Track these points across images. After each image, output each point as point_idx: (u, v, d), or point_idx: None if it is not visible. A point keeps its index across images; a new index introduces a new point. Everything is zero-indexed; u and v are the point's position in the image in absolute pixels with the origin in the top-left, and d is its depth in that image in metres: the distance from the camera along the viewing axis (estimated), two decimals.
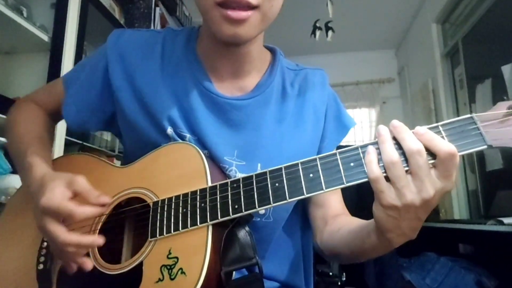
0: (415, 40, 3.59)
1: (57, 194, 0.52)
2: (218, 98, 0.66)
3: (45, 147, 0.69)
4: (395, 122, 0.45)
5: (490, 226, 1.63)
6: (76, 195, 0.55)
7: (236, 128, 0.66)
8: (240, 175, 0.62)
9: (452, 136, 0.44)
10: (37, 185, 0.57)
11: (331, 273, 1.74)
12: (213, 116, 0.66)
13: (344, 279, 1.75)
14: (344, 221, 0.64)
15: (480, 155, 2.51)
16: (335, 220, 0.67)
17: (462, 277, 2.02)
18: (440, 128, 0.45)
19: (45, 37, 1.55)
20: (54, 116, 0.79)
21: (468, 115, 0.45)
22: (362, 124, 4.04)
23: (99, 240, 0.54)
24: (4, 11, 1.35)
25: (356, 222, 0.59)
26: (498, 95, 2.21)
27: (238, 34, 0.56)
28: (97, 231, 0.59)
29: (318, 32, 2.78)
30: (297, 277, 0.73)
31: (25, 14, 1.50)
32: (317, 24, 2.78)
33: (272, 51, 0.75)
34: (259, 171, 0.52)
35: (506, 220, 1.55)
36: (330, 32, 2.71)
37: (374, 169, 0.44)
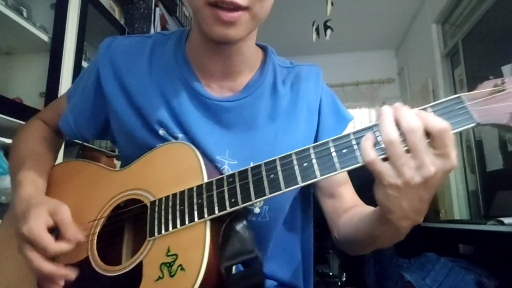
0: (415, 40, 3.59)
1: (38, 224, 0.54)
2: (207, 100, 0.66)
3: (41, 164, 0.70)
4: (397, 104, 0.46)
5: (490, 226, 1.63)
6: (56, 225, 0.56)
7: (227, 129, 0.66)
8: None
9: (442, 116, 0.45)
10: (23, 207, 0.58)
11: (331, 273, 1.74)
12: (203, 116, 0.66)
13: (344, 279, 1.75)
14: (357, 210, 0.64)
15: (480, 155, 2.51)
16: (350, 211, 0.67)
17: (462, 277, 2.02)
18: (430, 109, 0.46)
19: (45, 38, 1.55)
20: (61, 132, 0.79)
21: (456, 95, 0.46)
22: (362, 125, 4.03)
23: (71, 274, 0.55)
24: (4, 11, 1.35)
25: (369, 208, 0.59)
26: None
27: (228, 34, 0.56)
28: (96, 234, 0.60)
29: (314, 34, 2.77)
30: (296, 277, 0.72)
31: (25, 15, 1.50)
32: (314, 26, 2.78)
33: (264, 49, 0.75)
34: (253, 165, 0.52)
35: (506, 220, 1.55)
36: (328, 31, 2.71)
37: (369, 152, 0.45)
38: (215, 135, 0.65)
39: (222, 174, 0.62)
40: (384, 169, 0.44)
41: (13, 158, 0.72)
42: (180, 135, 0.65)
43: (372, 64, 4.06)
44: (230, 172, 0.53)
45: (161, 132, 0.65)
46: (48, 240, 0.54)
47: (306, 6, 3.06)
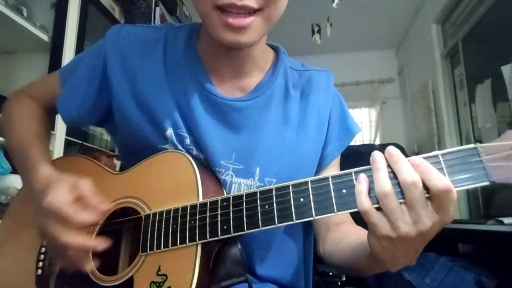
0: (415, 40, 3.59)
1: (60, 196, 0.52)
2: (217, 99, 0.64)
3: (44, 145, 0.68)
4: (392, 150, 0.43)
5: (490, 226, 1.63)
6: (79, 199, 0.54)
7: (236, 130, 0.65)
8: (236, 180, 0.62)
9: (452, 168, 0.41)
10: (42, 185, 0.56)
11: (331, 273, 1.74)
12: (212, 117, 0.64)
13: (344, 279, 1.75)
14: (345, 232, 0.63)
15: None
16: (338, 228, 0.65)
17: (462, 276, 2.02)
18: (440, 157, 0.42)
19: (45, 37, 1.55)
20: (50, 111, 0.76)
21: (472, 145, 0.41)
22: (362, 124, 4.04)
23: (101, 244, 0.53)
24: (4, 11, 1.35)
25: (356, 237, 0.57)
26: (498, 95, 2.21)
27: (239, 41, 0.54)
28: (92, 239, 0.59)
29: (317, 36, 2.77)
30: (297, 280, 0.72)
31: (25, 14, 1.50)
32: (314, 28, 2.78)
33: (275, 49, 0.73)
34: (249, 191, 0.51)
35: (506, 220, 1.54)
36: (328, 28, 2.69)
37: (363, 201, 0.42)
38: (223, 137, 0.64)
39: (221, 186, 0.62)
40: (379, 221, 0.42)
41: (12, 137, 0.69)
42: (188, 137, 0.64)
43: (372, 64, 4.05)
44: (225, 196, 0.52)
45: (169, 132, 0.63)
46: (71, 210, 0.51)
47: (306, 6, 3.06)
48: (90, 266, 0.55)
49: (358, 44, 3.93)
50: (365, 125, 4.04)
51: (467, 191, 2.77)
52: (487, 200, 2.41)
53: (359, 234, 0.56)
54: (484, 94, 2.36)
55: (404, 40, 3.84)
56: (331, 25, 2.74)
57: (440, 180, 0.40)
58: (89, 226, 0.56)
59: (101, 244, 0.53)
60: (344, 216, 0.68)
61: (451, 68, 2.98)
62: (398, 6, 3.27)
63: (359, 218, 0.65)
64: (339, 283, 1.72)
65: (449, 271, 2.10)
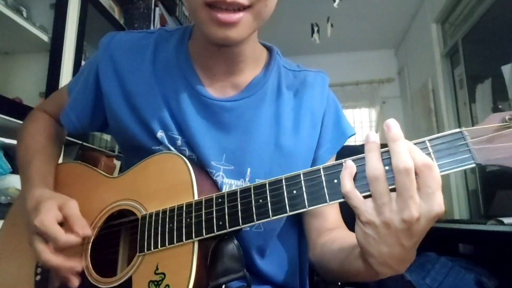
0: (415, 40, 3.59)
1: (49, 217, 0.54)
2: (207, 100, 0.64)
3: (48, 158, 0.71)
4: (393, 128, 0.41)
5: (490, 226, 1.63)
6: (65, 220, 0.56)
7: (226, 131, 0.64)
8: (227, 181, 0.62)
9: (439, 152, 0.41)
10: (33, 203, 0.58)
11: None
12: (202, 118, 0.64)
13: None
14: (338, 236, 0.62)
15: None
16: (330, 233, 0.64)
17: (462, 277, 2.02)
18: (427, 143, 0.42)
19: (44, 38, 1.55)
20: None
21: (457, 130, 0.42)
22: (362, 124, 4.05)
23: (78, 265, 0.56)
24: (4, 11, 1.35)
25: (349, 240, 0.56)
26: (498, 95, 2.21)
27: (229, 36, 0.54)
28: (90, 243, 0.60)
29: (316, 35, 2.77)
30: (292, 279, 0.71)
31: (24, 15, 1.50)
32: (314, 28, 2.78)
33: (269, 49, 0.73)
34: (243, 186, 0.51)
35: (506, 220, 1.55)
36: (329, 28, 2.69)
37: (346, 183, 0.42)
38: (213, 138, 0.64)
39: (216, 184, 0.62)
40: (361, 204, 0.42)
41: (21, 152, 0.72)
42: (180, 138, 0.64)
43: (372, 64, 4.06)
44: (220, 193, 0.52)
45: (159, 134, 0.64)
46: (58, 231, 0.54)
47: (306, 6, 3.06)
48: (74, 282, 0.56)
49: (357, 44, 3.93)
50: (365, 125, 4.04)
51: (468, 191, 2.77)
52: (487, 200, 2.41)
53: (353, 238, 0.55)
54: (484, 94, 2.36)
55: (404, 40, 3.84)
56: (331, 25, 2.74)
57: (422, 157, 0.40)
58: (72, 246, 0.56)
59: (79, 265, 0.56)
60: (337, 221, 0.68)
61: (451, 67, 2.99)
62: (397, 6, 3.27)
63: (352, 222, 0.65)
64: (339, 283, 1.72)
65: (450, 271, 2.10)
